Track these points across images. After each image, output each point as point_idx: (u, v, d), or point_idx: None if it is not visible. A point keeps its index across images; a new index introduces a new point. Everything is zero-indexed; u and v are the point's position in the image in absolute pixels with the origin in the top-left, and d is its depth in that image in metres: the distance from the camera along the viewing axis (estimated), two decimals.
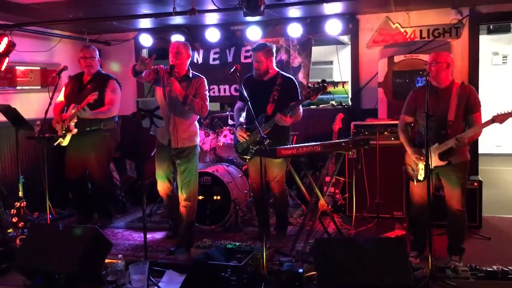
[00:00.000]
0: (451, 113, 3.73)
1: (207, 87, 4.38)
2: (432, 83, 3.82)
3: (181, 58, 4.26)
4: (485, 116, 3.70)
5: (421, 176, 3.86)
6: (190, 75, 4.34)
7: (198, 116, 4.42)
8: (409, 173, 4.02)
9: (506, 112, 3.53)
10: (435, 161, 3.72)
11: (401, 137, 4.04)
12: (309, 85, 4.37)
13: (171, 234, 4.80)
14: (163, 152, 4.39)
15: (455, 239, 3.91)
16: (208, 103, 4.32)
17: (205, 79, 4.40)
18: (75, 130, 4.78)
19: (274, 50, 4.48)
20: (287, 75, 4.55)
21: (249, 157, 4.48)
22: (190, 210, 4.38)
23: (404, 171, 4.10)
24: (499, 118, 3.54)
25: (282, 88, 4.37)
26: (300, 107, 4.45)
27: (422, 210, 3.88)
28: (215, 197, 4.99)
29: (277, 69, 4.53)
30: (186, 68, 4.35)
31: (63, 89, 5.11)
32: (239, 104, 4.70)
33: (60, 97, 5.06)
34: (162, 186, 4.49)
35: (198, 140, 4.51)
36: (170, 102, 4.26)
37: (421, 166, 3.84)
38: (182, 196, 4.36)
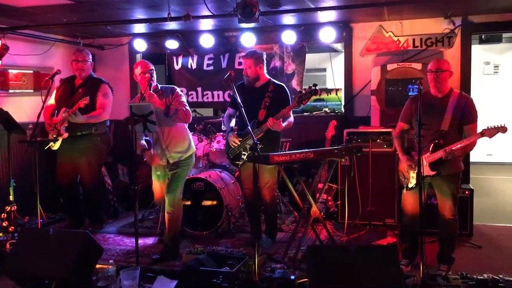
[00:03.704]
0: (445, 123, 3.72)
1: (181, 93, 4.37)
2: (432, 91, 3.81)
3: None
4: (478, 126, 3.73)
5: (411, 184, 3.87)
6: (159, 87, 4.33)
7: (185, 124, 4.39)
8: (400, 180, 4.04)
9: (494, 126, 3.54)
10: (426, 170, 3.72)
11: (396, 144, 4.06)
12: (301, 90, 4.42)
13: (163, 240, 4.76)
14: (161, 168, 4.38)
15: (446, 247, 3.92)
16: (189, 108, 4.30)
17: (176, 87, 4.40)
18: (66, 134, 4.77)
19: (264, 57, 4.51)
20: (279, 82, 4.61)
21: (240, 163, 4.49)
22: (173, 217, 4.32)
23: (397, 178, 4.12)
24: (488, 133, 3.54)
25: (273, 95, 4.43)
26: (291, 114, 4.49)
27: (414, 219, 3.88)
28: (207, 203, 4.98)
29: (268, 77, 4.58)
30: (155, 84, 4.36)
31: (54, 92, 5.08)
32: (230, 110, 4.73)
33: (51, 100, 5.02)
34: (162, 197, 4.43)
35: (192, 148, 4.46)
36: (156, 115, 4.18)
37: (412, 174, 3.86)
38: (166, 201, 4.31)
